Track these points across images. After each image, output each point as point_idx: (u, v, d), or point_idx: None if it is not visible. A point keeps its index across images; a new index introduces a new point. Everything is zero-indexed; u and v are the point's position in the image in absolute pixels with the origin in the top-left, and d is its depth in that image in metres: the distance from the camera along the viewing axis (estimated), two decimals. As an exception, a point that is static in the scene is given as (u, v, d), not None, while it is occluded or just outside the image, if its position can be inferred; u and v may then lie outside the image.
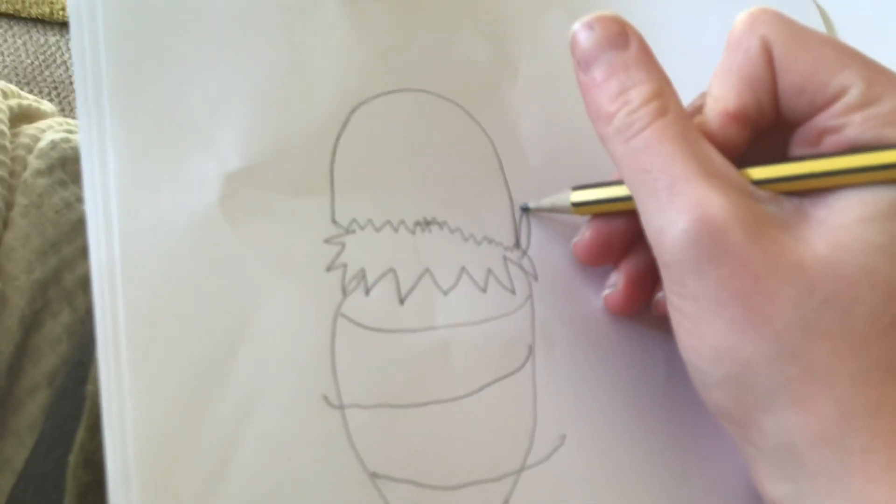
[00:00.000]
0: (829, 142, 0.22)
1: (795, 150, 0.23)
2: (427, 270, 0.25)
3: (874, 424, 0.19)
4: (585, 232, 0.26)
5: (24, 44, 1.13)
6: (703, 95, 0.24)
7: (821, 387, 0.20)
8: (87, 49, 0.23)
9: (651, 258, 0.23)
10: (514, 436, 0.24)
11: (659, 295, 0.26)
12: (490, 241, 0.26)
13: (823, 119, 0.22)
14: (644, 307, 0.27)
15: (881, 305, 0.20)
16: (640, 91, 0.22)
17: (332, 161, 0.25)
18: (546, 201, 0.27)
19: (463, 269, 0.26)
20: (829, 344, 0.20)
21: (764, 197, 0.21)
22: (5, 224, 0.30)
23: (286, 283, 0.23)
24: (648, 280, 0.26)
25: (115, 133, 0.23)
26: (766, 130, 0.23)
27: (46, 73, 1.12)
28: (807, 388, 0.20)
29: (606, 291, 0.27)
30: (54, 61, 1.13)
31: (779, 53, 0.22)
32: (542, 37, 0.30)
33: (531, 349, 0.26)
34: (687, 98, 0.24)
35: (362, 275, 0.24)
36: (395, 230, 0.25)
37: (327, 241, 0.24)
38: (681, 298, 0.22)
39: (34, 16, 1.15)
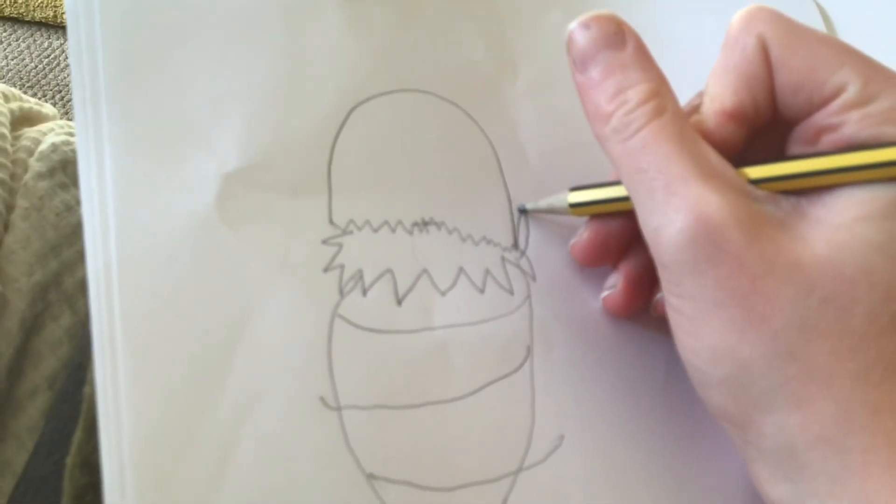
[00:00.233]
0: (827, 140, 0.21)
1: (793, 148, 0.23)
2: (425, 271, 0.25)
3: (874, 424, 0.19)
4: (583, 233, 0.26)
5: (28, 47, 1.14)
6: (701, 94, 0.24)
7: (820, 386, 0.20)
8: (84, 50, 0.23)
9: (650, 259, 0.22)
10: (511, 437, 0.24)
11: (658, 296, 0.26)
12: (488, 242, 0.26)
13: (821, 117, 0.21)
14: (643, 308, 0.27)
15: (880, 304, 0.20)
16: (637, 91, 0.22)
17: (330, 161, 0.25)
18: (544, 202, 0.27)
19: (461, 269, 0.26)
20: (828, 343, 0.20)
21: (761, 196, 0.21)
22: (6, 227, 0.30)
23: (283, 284, 0.23)
24: (647, 281, 0.26)
25: (113, 134, 0.23)
26: (763, 129, 0.23)
27: (50, 76, 1.13)
28: (806, 387, 0.20)
29: (605, 293, 0.27)
30: (58, 65, 1.14)
31: (775, 51, 0.22)
32: (541, 37, 0.30)
33: (529, 350, 0.26)
34: (684, 97, 0.24)
35: (360, 275, 0.24)
36: (393, 231, 0.25)
37: (325, 241, 0.24)
38: (679, 299, 0.21)
39: (38, 19, 1.16)
